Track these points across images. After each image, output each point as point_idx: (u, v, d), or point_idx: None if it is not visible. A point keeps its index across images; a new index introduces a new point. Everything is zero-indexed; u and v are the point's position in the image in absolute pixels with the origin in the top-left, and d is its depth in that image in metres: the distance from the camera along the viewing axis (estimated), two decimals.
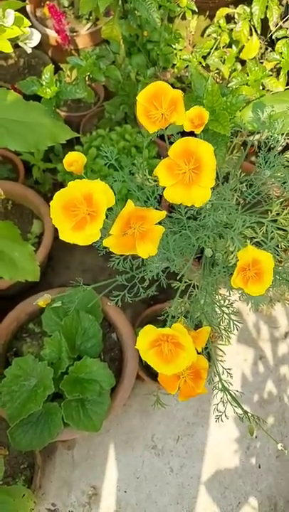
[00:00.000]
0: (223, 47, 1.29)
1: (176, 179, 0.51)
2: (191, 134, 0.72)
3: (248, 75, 1.02)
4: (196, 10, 1.16)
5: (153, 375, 1.14)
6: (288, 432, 1.27)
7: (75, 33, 1.52)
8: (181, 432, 1.24)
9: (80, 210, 0.52)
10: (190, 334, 0.69)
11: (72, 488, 1.15)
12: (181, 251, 0.81)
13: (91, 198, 0.53)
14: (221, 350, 1.26)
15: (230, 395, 0.87)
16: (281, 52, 1.05)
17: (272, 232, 0.87)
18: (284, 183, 0.91)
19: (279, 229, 0.88)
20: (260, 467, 1.22)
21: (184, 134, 0.75)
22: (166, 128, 0.70)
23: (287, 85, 1.27)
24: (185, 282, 0.87)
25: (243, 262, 0.60)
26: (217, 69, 1.21)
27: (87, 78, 1.01)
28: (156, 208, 0.98)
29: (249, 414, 0.76)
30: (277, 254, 0.87)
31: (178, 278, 0.85)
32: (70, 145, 1.30)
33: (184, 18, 1.27)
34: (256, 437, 1.26)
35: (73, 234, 0.52)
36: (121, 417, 1.23)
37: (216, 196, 0.88)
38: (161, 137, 1.28)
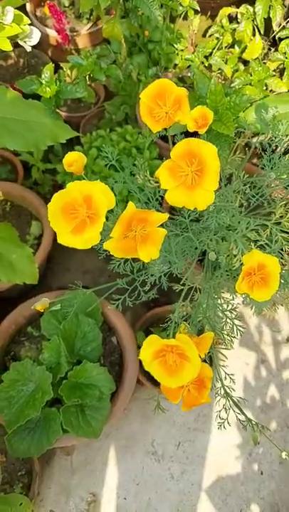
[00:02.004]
0: (226, 47, 1.28)
1: (179, 181, 0.50)
2: (195, 134, 0.71)
3: (251, 75, 1.00)
4: (199, 9, 1.14)
5: (154, 379, 1.11)
6: None
7: (75, 33, 1.51)
8: (182, 438, 1.22)
9: (80, 213, 0.50)
10: (192, 340, 0.68)
11: (71, 494, 1.13)
12: (183, 254, 0.79)
13: (91, 199, 0.51)
14: (222, 354, 1.24)
15: (233, 401, 0.85)
16: (285, 53, 1.03)
17: (277, 235, 0.85)
18: (288, 185, 0.89)
19: (283, 232, 0.87)
20: (262, 474, 1.20)
21: (187, 134, 0.73)
22: (169, 128, 0.68)
23: None
24: (187, 285, 0.85)
25: (249, 267, 0.58)
26: (219, 69, 1.19)
27: (87, 78, 0.99)
28: (158, 210, 0.96)
29: (253, 422, 0.74)
30: (282, 257, 0.85)
31: (181, 282, 0.83)
32: (69, 146, 1.28)
33: (185, 18, 1.26)
34: (259, 443, 1.24)
35: (72, 237, 0.50)
36: (121, 421, 1.21)
37: (218, 198, 0.87)
38: (162, 138, 1.27)
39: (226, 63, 1.19)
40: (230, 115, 0.81)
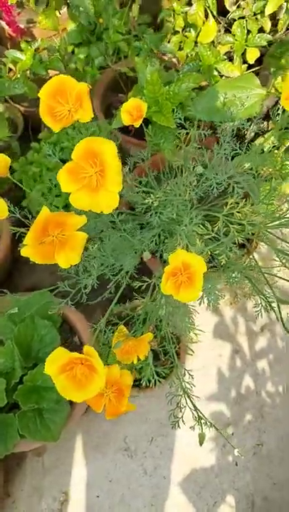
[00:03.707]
0: (183, 30, 1.23)
1: (82, 183, 0.47)
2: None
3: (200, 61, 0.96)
4: None
5: None
6: (266, 427, 1.24)
7: (32, 24, 1.46)
8: (155, 433, 1.21)
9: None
10: (131, 342, 0.66)
11: (44, 495, 1.13)
12: (122, 253, 0.76)
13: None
14: (190, 348, 1.23)
15: (190, 399, 0.84)
16: (234, 34, 0.99)
17: (226, 226, 0.83)
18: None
19: (236, 223, 0.84)
20: (236, 465, 1.19)
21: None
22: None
23: (249, 68, 1.22)
24: (145, 282, 0.83)
25: (173, 267, 0.56)
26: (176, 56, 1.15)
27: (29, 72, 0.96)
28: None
29: (203, 421, 0.73)
30: (230, 250, 0.83)
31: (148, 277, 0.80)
32: (28, 142, 1.25)
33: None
34: (233, 434, 1.23)
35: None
36: (91, 420, 1.20)
37: (165, 193, 0.84)
38: (122, 130, 1.23)
39: (180, 49, 1.15)
40: (169, 105, 0.78)
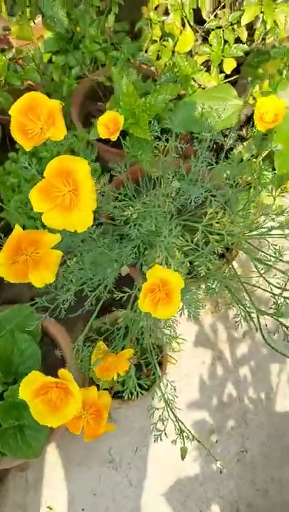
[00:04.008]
0: (161, 39, 1.23)
1: (55, 202, 0.46)
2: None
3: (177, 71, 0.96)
4: (123, 2, 1.09)
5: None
6: (249, 433, 1.25)
7: (7, 32, 1.44)
8: (139, 443, 1.20)
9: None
10: (110, 358, 0.65)
11: (28, 510, 1.11)
12: (101, 267, 0.75)
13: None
14: (172, 357, 1.23)
15: (172, 411, 0.83)
16: (211, 45, 0.99)
17: (204, 238, 0.83)
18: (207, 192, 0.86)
19: (215, 233, 0.84)
20: (221, 472, 1.20)
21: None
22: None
23: (227, 77, 1.23)
24: (126, 293, 0.82)
25: (151, 283, 0.56)
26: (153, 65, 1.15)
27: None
28: (94, 218, 0.92)
29: (184, 434, 0.72)
30: (210, 261, 0.83)
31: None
32: (6, 151, 1.23)
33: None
34: (217, 442, 1.23)
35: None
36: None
37: (143, 204, 0.83)
38: (100, 139, 1.23)
39: (158, 58, 1.15)
40: (146, 117, 0.77)
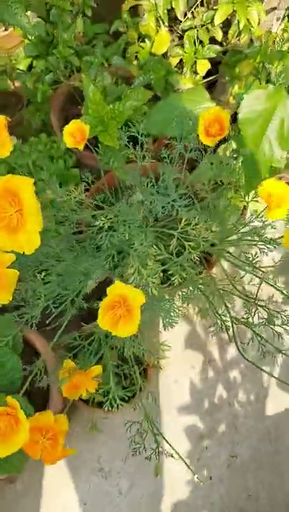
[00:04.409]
0: (139, 41, 1.21)
1: (2, 223, 0.45)
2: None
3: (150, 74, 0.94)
4: (95, 5, 1.07)
5: (86, 401, 1.08)
6: (240, 439, 1.23)
7: None
8: (129, 452, 1.19)
9: None
10: (79, 375, 0.64)
11: None
12: (71, 280, 0.74)
13: None
14: (158, 366, 1.21)
15: (152, 425, 0.82)
16: (183, 46, 0.97)
17: (177, 247, 0.81)
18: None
19: (191, 240, 0.82)
20: (211, 479, 1.18)
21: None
22: None
23: (207, 77, 1.20)
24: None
25: (111, 300, 0.54)
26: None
27: None
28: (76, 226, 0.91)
29: (159, 450, 0.71)
30: (184, 270, 0.81)
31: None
32: None
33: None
34: (206, 448, 1.22)
35: None
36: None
37: (115, 214, 0.82)
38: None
39: (137, 59, 1.13)
40: (115, 124, 0.76)
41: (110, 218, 0.79)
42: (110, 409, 0.78)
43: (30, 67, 1.36)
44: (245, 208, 1.20)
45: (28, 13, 0.88)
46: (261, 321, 0.72)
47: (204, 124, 0.62)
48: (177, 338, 1.34)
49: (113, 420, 1.21)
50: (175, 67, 1.02)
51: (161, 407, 1.25)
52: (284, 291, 0.78)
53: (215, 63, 1.28)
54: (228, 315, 0.78)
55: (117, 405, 0.79)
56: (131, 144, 0.90)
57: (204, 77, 1.22)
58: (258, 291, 0.72)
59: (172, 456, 0.76)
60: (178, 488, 1.16)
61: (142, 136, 0.85)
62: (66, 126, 0.72)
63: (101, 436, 1.19)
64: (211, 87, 1.37)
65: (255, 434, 1.23)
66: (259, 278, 0.82)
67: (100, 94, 0.74)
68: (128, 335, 0.53)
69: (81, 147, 0.73)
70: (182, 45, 0.99)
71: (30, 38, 1.24)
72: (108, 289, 0.55)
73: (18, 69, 1.09)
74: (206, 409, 1.26)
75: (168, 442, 0.79)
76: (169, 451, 0.80)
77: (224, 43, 1.18)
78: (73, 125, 0.73)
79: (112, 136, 0.76)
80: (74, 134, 0.73)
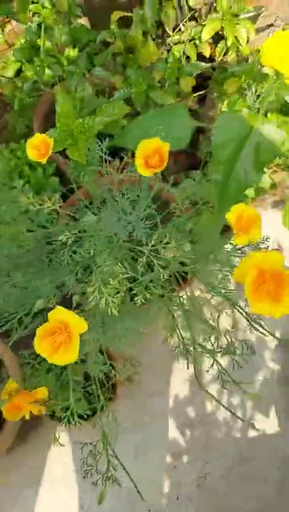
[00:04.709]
0: (128, 52, 1.19)
1: None
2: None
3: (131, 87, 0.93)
4: (81, 14, 1.06)
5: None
6: (213, 456, 1.21)
7: None
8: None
9: None
10: (22, 396, 0.62)
11: None
12: (33, 295, 0.72)
13: None
14: (130, 378, 1.19)
15: (107, 447, 0.81)
16: (166, 61, 0.96)
17: (147, 265, 0.79)
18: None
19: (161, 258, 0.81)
20: (178, 499, 1.16)
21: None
22: None
23: (196, 91, 1.19)
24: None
25: (51, 326, 0.53)
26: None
27: None
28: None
29: (104, 477, 0.69)
30: (150, 290, 0.80)
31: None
32: None
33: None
34: (175, 467, 1.20)
35: None
36: (23, 455, 1.16)
37: (79, 229, 0.80)
38: (61, 153, 1.20)
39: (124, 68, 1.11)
40: (84, 139, 0.74)
41: (75, 233, 0.78)
42: (68, 425, 0.76)
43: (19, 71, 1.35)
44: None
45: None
46: (220, 350, 0.70)
47: (143, 156, 0.61)
48: (151, 353, 1.32)
49: (80, 428, 1.19)
50: (159, 82, 1.00)
51: (130, 423, 1.23)
52: (249, 318, 0.76)
53: (205, 77, 1.26)
54: (190, 339, 0.76)
55: (75, 422, 0.77)
56: (111, 155, 0.89)
57: (194, 91, 1.20)
58: (218, 317, 0.70)
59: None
60: (144, 508, 1.14)
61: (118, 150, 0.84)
62: (30, 139, 0.71)
63: (61, 448, 1.18)
64: (202, 100, 1.35)
65: (229, 454, 1.21)
66: (228, 301, 0.81)
67: (71, 107, 0.73)
68: (66, 363, 0.51)
69: (44, 161, 0.72)
70: (166, 61, 0.97)
71: (21, 41, 1.24)
72: (49, 314, 0.54)
73: (2, 76, 1.08)
74: (180, 426, 1.24)
75: (124, 468, 0.77)
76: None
77: (215, 59, 1.17)
78: (38, 138, 0.72)
79: (80, 150, 0.74)
80: (38, 146, 0.72)
